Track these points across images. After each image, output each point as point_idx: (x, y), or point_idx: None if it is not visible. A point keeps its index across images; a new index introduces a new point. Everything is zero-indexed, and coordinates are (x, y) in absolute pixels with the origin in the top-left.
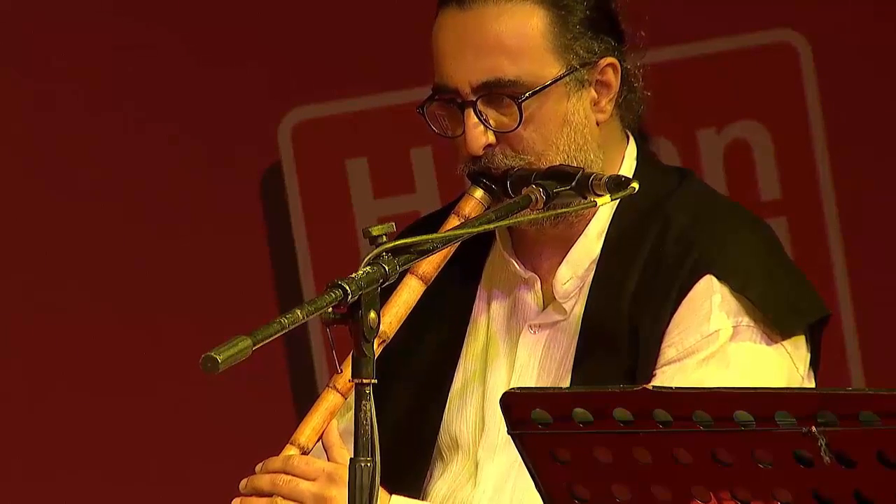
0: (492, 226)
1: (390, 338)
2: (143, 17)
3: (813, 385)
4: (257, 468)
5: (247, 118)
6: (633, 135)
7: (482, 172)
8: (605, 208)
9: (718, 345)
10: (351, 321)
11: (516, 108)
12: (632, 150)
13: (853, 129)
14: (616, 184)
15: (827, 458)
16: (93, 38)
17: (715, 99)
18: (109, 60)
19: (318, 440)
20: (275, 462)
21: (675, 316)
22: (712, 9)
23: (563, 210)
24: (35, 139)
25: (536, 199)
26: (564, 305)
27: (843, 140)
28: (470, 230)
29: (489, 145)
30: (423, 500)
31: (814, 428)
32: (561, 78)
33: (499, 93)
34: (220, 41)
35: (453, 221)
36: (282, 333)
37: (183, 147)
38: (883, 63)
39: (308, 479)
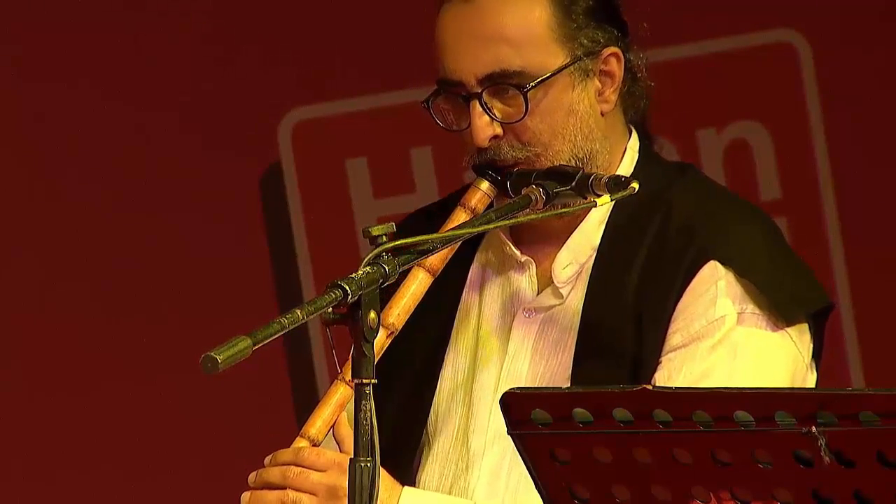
0: (492, 226)
1: (398, 329)
2: (143, 17)
3: (815, 375)
4: (266, 461)
5: (247, 118)
6: (636, 130)
7: (488, 164)
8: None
9: (724, 331)
10: (351, 321)
11: (522, 98)
12: (634, 143)
13: (853, 129)
14: (616, 184)
15: (827, 458)
16: (92, 37)
17: (715, 99)
18: (109, 60)
19: (328, 432)
20: (285, 454)
21: (679, 303)
22: (712, 9)
23: (563, 210)
24: (35, 139)
25: (536, 199)
26: (562, 290)
27: (843, 140)
28: (470, 230)
29: (495, 137)
30: (415, 486)
31: (814, 428)
32: (565, 67)
33: (504, 84)
34: (220, 41)
35: (459, 213)
36: (282, 333)
37: (183, 147)
38: (883, 63)
39: (319, 471)
